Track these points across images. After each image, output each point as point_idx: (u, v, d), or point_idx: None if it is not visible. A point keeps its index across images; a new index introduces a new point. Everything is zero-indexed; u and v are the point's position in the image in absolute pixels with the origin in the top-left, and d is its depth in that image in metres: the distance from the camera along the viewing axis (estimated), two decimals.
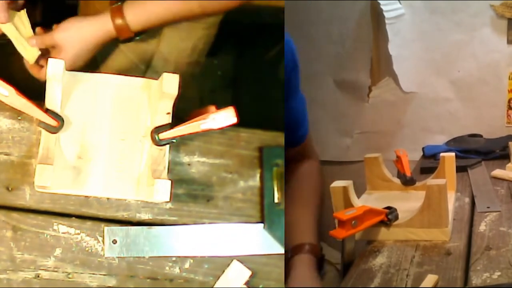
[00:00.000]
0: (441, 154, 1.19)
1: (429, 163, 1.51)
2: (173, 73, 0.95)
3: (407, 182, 1.19)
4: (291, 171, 1.23)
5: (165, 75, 0.95)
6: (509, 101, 1.72)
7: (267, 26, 1.45)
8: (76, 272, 0.95)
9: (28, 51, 1.06)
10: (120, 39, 1.08)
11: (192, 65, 1.29)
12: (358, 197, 1.04)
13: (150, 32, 1.18)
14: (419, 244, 0.90)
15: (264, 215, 1.03)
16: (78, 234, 0.96)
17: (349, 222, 0.84)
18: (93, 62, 1.14)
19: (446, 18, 1.73)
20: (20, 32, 1.05)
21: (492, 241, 0.87)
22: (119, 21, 1.05)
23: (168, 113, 0.97)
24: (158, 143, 0.96)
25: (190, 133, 0.95)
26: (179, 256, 0.99)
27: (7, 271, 0.92)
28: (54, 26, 1.07)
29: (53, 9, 1.73)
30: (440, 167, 1.17)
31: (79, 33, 1.05)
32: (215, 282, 0.99)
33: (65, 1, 1.70)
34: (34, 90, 0.91)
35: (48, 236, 0.95)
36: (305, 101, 1.20)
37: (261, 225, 1.03)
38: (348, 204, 0.94)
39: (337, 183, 0.96)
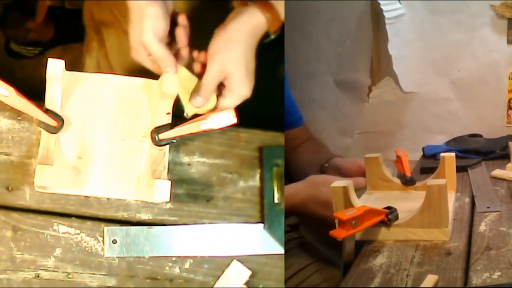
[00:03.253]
0: (441, 154, 1.19)
1: (429, 163, 1.51)
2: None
3: (407, 182, 1.19)
4: (293, 150, 1.44)
5: (165, 75, 0.95)
6: (509, 101, 1.72)
7: None
8: (76, 272, 0.95)
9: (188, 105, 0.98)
10: (271, 32, 1.02)
11: None
12: (358, 197, 1.04)
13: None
14: (419, 244, 0.90)
15: (264, 215, 1.03)
16: (78, 234, 0.96)
17: (349, 222, 0.84)
18: None
19: (446, 18, 1.73)
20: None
21: (492, 241, 0.87)
22: (269, 13, 0.99)
23: (168, 113, 0.97)
24: (158, 143, 0.96)
25: (190, 133, 0.95)
26: (179, 256, 0.99)
27: (7, 271, 0.92)
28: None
29: (54, 13, 1.74)
30: (440, 167, 1.17)
31: (236, 41, 0.97)
32: (215, 282, 0.99)
33: (65, 7, 1.71)
34: (34, 90, 0.91)
35: (48, 236, 0.95)
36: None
37: (261, 225, 1.03)
38: (348, 204, 0.94)
39: (337, 183, 0.96)
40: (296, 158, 1.46)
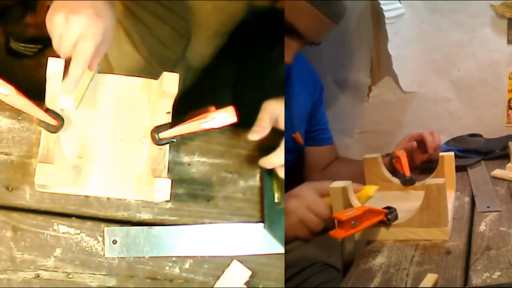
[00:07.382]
0: (440, 154, 1.19)
1: (428, 163, 1.51)
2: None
3: (407, 182, 1.19)
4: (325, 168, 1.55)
5: (165, 74, 0.95)
6: (509, 101, 1.72)
7: (267, 27, 1.45)
8: (76, 272, 0.95)
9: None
10: None
11: (203, 70, 1.31)
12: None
13: (177, 41, 1.18)
14: (419, 244, 0.90)
15: (264, 215, 1.03)
16: (78, 234, 0.96)
17: (348, 222, 0.84)
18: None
19: (446, 18, 1.73)
20: None
21: (492, 241, 0.87)
22: None
23: (168, 113, 0.97)
24: (158, 142, 0.96)
25: (190, 133, 0.95)
26: (179, 256, 0.99)
27: (7, 271, 0.92)
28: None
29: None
30: (439, 167, 1.17)
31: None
32: (215, 282, 0.99)
33: None
34: (34, 90, 0.91)
35: (48, 236, 0.95)
36: None
37: (261, 224, 1.03)
38: (348, 204, 0.94)
39: (336, 183, 0.96)
40: (329, 177, 1.48)
